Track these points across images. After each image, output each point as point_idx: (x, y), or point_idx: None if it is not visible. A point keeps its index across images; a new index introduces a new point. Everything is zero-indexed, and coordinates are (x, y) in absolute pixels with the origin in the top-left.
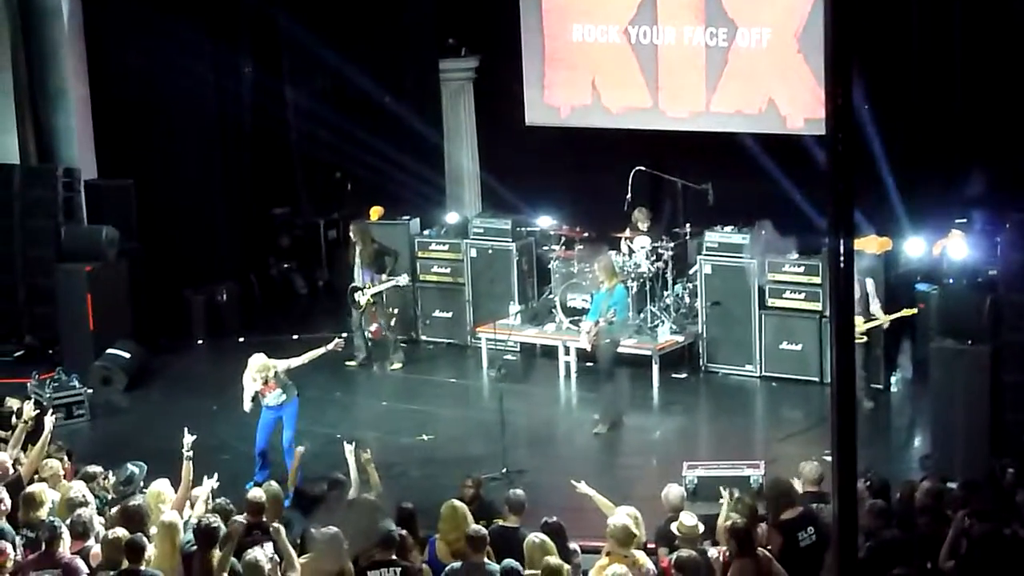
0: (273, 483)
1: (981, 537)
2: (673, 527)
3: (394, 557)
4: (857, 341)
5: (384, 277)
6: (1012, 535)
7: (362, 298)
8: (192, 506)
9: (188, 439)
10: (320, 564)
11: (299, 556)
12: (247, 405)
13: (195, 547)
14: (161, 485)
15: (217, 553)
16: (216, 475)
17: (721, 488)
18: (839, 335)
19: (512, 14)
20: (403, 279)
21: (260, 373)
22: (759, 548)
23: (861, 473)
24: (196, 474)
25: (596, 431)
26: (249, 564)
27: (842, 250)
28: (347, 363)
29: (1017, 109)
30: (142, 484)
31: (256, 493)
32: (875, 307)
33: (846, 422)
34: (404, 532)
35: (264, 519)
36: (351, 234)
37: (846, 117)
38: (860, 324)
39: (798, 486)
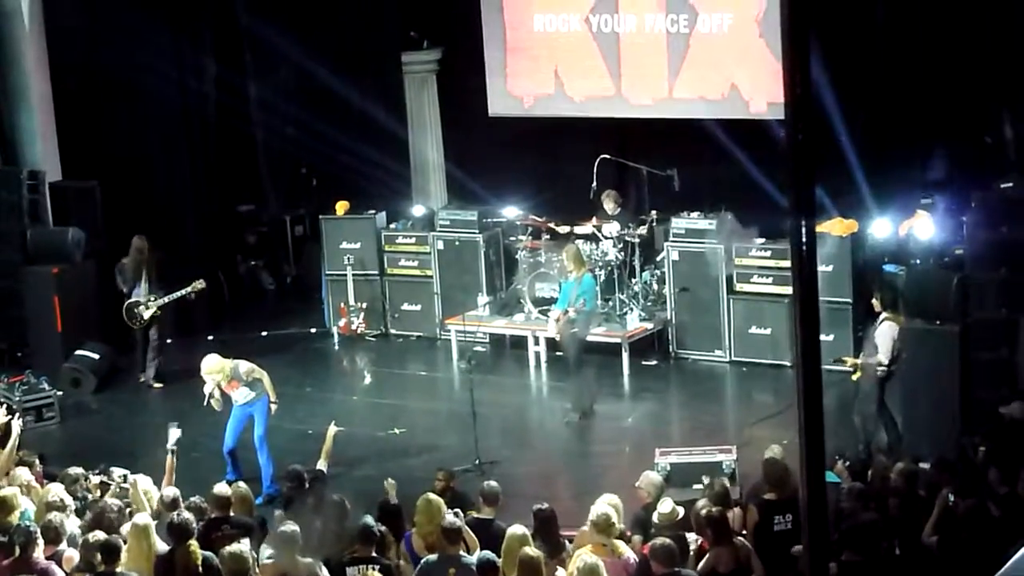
0: (241, 483)
1: (966, 513)
2: (654, 514)
3: (374, 554)
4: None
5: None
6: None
7: (147, 312)
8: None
9: (173, 434)
10: (276, 564)
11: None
12: (216, 405)
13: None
14: (144, 483)
15: (194, 543)
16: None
17: (703, 478)
18: (803, 319)
19: (473, 5)
20: (199, 283)
21: (211, 375)
22: (737, 536)
23: (840, 454)
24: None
25: (567, 420)
26: (233, 555)
27: (804, 235)
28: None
29: (981, 88)
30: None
31: (221, 488)
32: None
33: (812, 406)
34: (384, 528)
35: (232, 514)
36: (138, 248)
37: (805, 105)
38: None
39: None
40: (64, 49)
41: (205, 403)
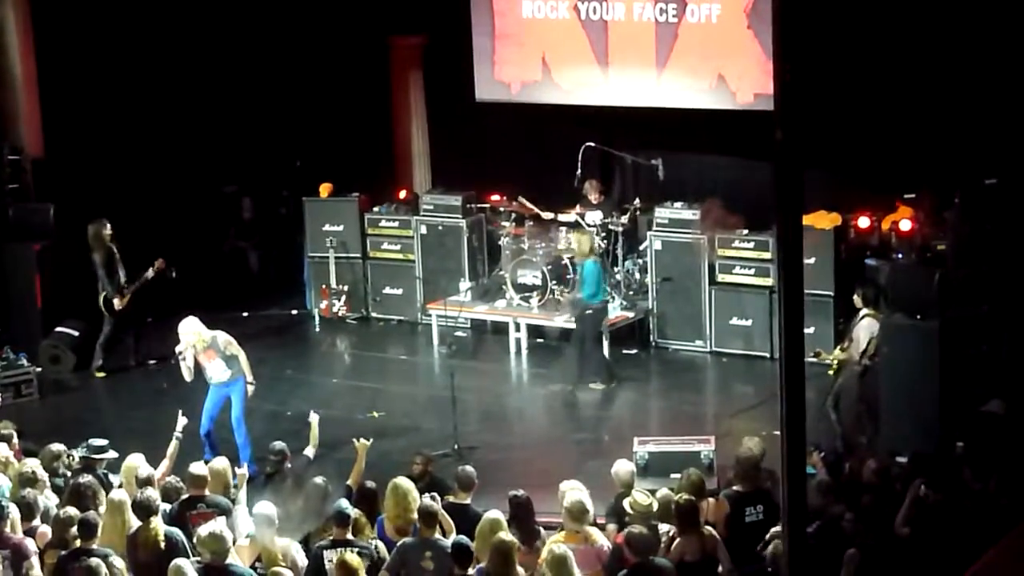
0: (221, 459)
1: (936, 505)
2: (625, 503)
3: (350, 536)
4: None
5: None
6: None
7: (124, 299)
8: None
9: (181, 422)
10: (253, 545)
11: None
12: (187, 373)
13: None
14: (136, 460)
15: (154, 520)
16: None
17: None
18: (787, 311)
19: None
20: (159, 262)
21: (187, 335)
22: (705, 527)
23: (815, 446)
24: (149, 455)
25: (598, 388)
26: (213, 535)
27: (790, 227)
28: (97, 374)
29: (967, 82)
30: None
31: (197, 467)
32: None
33: (795, 399)
34: (357, 512)
35: (207, 493)
36: (102, 235)
37: (794, 96)
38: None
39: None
40: (49, 25)
41: (173, 361)
